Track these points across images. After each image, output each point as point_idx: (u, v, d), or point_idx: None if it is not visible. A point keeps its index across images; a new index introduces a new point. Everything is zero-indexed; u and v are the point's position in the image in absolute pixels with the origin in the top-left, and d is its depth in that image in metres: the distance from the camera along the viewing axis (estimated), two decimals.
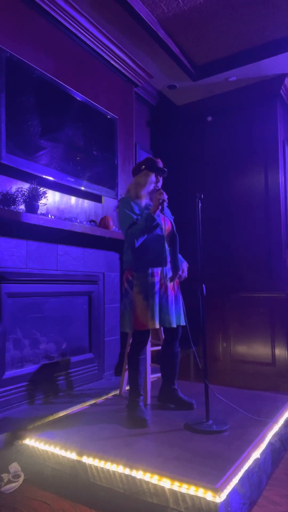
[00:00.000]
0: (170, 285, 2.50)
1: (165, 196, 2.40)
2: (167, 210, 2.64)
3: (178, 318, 2.51)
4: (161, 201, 2.37)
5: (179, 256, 2.63)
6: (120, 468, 1.85)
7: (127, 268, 2.51)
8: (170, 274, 2.52)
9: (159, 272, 2.46)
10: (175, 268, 2.54)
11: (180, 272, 2.55)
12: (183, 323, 2.54)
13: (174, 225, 2.60)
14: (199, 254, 2.44)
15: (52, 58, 3.05)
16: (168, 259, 2.52)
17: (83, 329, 3.31)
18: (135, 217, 2.43)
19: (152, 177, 2.52)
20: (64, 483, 2.03)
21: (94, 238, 3.21)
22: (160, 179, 2.56)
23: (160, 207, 2.38)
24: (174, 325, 2.45)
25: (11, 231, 2.63)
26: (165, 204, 2.58)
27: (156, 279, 2.44)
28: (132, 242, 2.38)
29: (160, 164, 2.54)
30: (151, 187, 2.52)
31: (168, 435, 2.19)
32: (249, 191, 4.23)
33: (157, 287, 2.43)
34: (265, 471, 2.08)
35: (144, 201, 2.53)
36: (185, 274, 2.60)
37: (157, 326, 2.38)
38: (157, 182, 2.53)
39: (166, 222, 2.54)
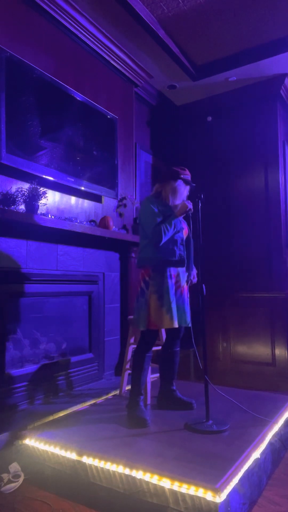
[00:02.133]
0: (185, 286, 2.57)
1: (192, 207, 2.50)
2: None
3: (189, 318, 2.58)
4: (188, 209, 2.48)
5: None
6: (120, 468, 1.85)
7: (143, 267, 2.53)
8: (185, 276, 2.58)
9: (176, 274, 2.51)
10: (189, 271, 2.62)
11: (191, 277, 2.63)
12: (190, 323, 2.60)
13: (190, 231, 2.67)
14: (200, 254, 2.46)
15: (52, 58, 3.05)
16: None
17: (83, 329, 3.31)
18: (161, 217, 2.49)
19: (187, 188, 2.63)
20: (64, 483, 2.03)
21: (94, 238, 3.20)
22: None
23: (184, 214, 2.50)
24: (190, 324, 2.52)
25: (11, 231, 2.63)
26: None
27: (173, 280, 2.49)
28: (159, 239, 2.43)
29: (189, 177, 2.65)
30: (185, 197, 2.63)
31: (168, 435, 2.19)
32: (249, 191, 4.23)
33: (174, 288, 2.47)
34: (265, 471, 2.08)
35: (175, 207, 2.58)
36: (195, 279, 2.69)
37: (176, 325, 2.42)
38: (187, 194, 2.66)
39: (184, 227, 2.62)
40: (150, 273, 2.49)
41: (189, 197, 2.62)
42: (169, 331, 2.68)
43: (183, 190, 2.60)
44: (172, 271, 2.49)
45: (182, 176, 2.59)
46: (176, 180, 2.58)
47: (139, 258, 2.57)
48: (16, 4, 2.80)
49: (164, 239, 2.43)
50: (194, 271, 2.70)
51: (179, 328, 2.61)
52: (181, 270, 2.55)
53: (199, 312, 2.42)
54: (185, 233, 2.62)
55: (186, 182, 2.60)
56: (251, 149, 4.24)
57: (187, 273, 2.60)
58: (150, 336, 2.53)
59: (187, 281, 2.59)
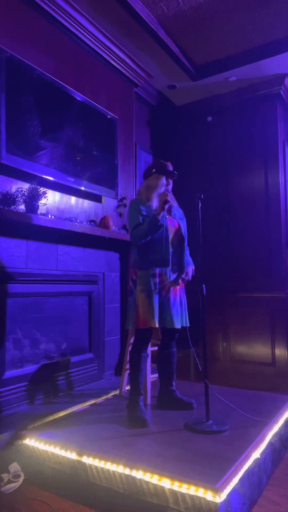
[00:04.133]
0: (171, 286, 2.49)
1: (169, 197, 2.42)
2: (179, 211, 2.65)
3: (181, 319, 2.51)
4: (163, 202, 2.39)
5: (189, 258, 2.65)
6: (120, 468, 1.85)
7: (132, 267, 2.56)
8: (173, 276, 2.50)
9: (162, 273, 2.46)
10: (180, 270, 2.53)
11: (183, 275, 2.53)
12: (186, 324, 2.53)
13: (183, 227, 2.59)
14: (200, 254, 2.45)
15: (52, 58, 3.05)
16: (173, 260, 2.51)
17: (83, 329, 3.31)
18: (141, 218, 2.46)
19: (163, 180, 2.53)
20: (64, 483, 2.03)
21: (94, 238, 3.21)
22: (171, 182, 2.58)
23: (165, 207, 2.40)
24: (177, 326, 2.44)
25: (11, 231, 2.63)
26: (175, 205, 2.62)
27: (158, 279, 2.44)
28: (136, 242, 2.45)
29: (170, 167, 2.56)
30: (161, 189, 2.52)
31: (168, 435, 2.19)
32: (249, 191, 4.23)
33: (158, 287, 2.43)
34: (265, 471, 2.08)
35: (155, 203, 2.52)
36: (188, 277, 2.58)
37: (157, 325, 2.39)
38: (167, 185, 2.54)
39: (173, 223, 2.53)
40: (137, 272, 2.49)
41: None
42: (164, 332, 2.63)
43: (158, 182, 2.52)
44: (158, 269, 2.45)
45: (153, 170, 2.54)
46: (149, 177, 2.57)
47: (131, 259, 2.58)
48: (16, 4, 2.80)
49: (142, 241, 2.41)
50: (190, 267, 2.60)
51: (174, 329, 2.56)
52: (168, 268, 2.47)
53: (199, 312, 2.40)
54: (174, 230, 2.53)
55: (159, 172, 2.52)
56: (251, 149, 4.24)
57: (177, 272, 2.51)
58: (142, 336, 2.50)
59: (176, 280, 2.49)
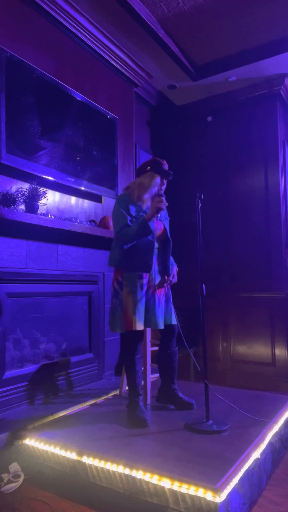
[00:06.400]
0: (157, 288, 2.47)
1: (164, 205, 2.34)
2: (164, 212, 2.59)
3: (169, 318, 2.50)
4: (156, 209, 2.31)
5: (171, 259, 2.60)
6: (120, 468, 1.85)
7: (115, 267, 2.48)
8: (159, 277, 2.49)
9: (148, 274, 2.44)
10: (165, 272, 2.51)
11: (170, 278, 2.51)
12: (173, 322, 2.52)
13: (168, 228, 2.56)
14: (199, 254, 2.45)
15: (52, 58, 3.05)
16: (158, 261, 2.50)
17: (83, 329, 3.31)
18: (129, 218, 2.37)
19: (157, 179, 2.42)
20: (64, 483, 2.03)
21: (94, 238, 3.20)
22: (165, 182, 2.48)
23: (158, 215, 2.36)
24: (161, 327, 2.44)
25: (11, 231, 2.63)
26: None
27: (145, 280, 2.42)
28: (122, 244, 2.36)
29: (166, 166, 2.45)
30: (155, 190, 2.42)
31: (168, 435, 2.19)
32: (249, 191, 4.23)
33: (144, 288, 2.41)
34: (265, 471, 2.07)
35: (145, 203, 2.45)
36: (175, 279, 2.56)
37: (142, 327, 2.37)
38: (161, 185, 2.44)
39: (159, 226, 2.50)
40: (122, 273, 2.43)
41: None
42: (163, 331, 2.59)
43: (152, 182, 2.40)
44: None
45: (148, 167, 2.41)
46: (143, 174, 2.45)
47: (109, 256, 2.49)
48: (16, 4, 2.80)
49: (128, 244, 2.34)
50: (174, 269, 2.57)
51: (172, 328, 2.55)
52: (154, 270, 2.45)
53: (199, 312, 2.40)
54: (160, 232, 2.50)
55: (155, 171, 2.40)
56: (251, 149, 4.24)
57: (161, 274, 2.49)
58: (133, 338, 2.45)
59: (161, 283, 2.47)
